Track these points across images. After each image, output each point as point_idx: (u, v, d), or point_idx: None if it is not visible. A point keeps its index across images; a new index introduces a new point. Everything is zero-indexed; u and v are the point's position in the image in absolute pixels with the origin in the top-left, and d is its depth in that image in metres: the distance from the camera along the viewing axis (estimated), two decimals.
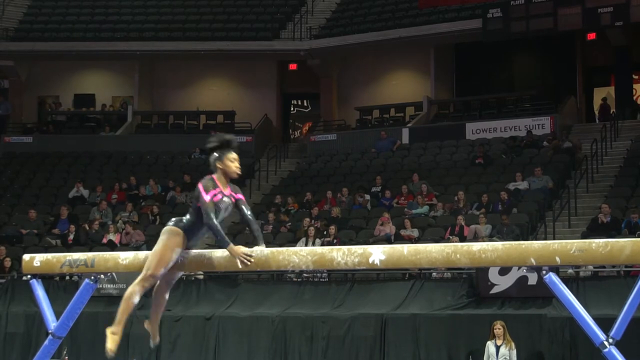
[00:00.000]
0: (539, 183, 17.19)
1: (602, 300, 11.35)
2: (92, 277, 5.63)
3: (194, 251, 5.35)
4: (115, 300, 15.24)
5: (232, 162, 5.26)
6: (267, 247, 5.31)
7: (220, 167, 5.23)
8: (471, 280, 12.86)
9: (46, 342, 5.64)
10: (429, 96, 23.42)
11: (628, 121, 20.84)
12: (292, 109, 27.19)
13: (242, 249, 5.12)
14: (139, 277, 5.24)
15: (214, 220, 5.06)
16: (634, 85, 23.14)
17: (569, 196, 16.44)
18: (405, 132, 21.98)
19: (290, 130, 27.07)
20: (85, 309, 5.87)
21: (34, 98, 26.25)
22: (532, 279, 11.93)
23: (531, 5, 20.88)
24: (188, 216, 5.24)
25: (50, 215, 19.00)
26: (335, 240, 15.27)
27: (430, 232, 15.72)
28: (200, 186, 5.13)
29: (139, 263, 5.48)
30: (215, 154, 5.26)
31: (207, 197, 5.09)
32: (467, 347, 12.11)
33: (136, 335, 13.92)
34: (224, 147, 5.29)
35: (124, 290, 16.31)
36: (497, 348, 11.16)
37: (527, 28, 21.06)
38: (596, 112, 23.32)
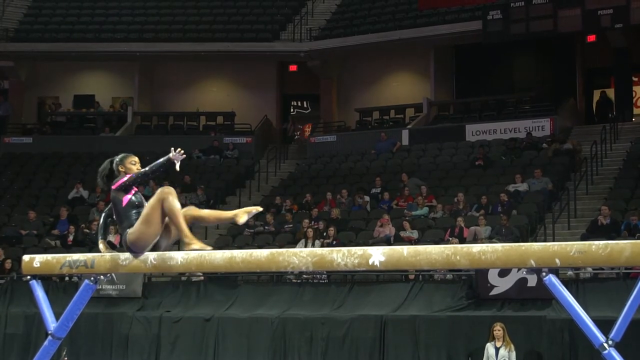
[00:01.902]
0: (539, 185, 17.19)
1: (602, 302, 11.35)
2: (92, 278, 5.62)
3: (194, 252, 5.35)
4: (115, 301, 15.37)
5: (134, 164, 5.58)
6: (266, 248, 5.41)
7: (122, 170, 5.55)
8: (471, 282, 12.86)
9: (46, 342, 5.64)
10: (428, 98, 23.43)
11: (628, 123, 20.85)
12: (292, 110, 27.19)
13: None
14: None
15: (145, 169, 5.39)
16: (634, 87, 23.15)
17: (568, 198, 16.44)
18: (405, 134, 21.98)
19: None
20: (84, 310, 5.87)
21: (33, 99, 26.25)
22: (532, 280, 11.92)
23: (531, 7, 20.89)
24: (122, 223, 5.43)
25: (49, 216, 18.99)
26: (334, 242, 15.26)
27: (430, 233, 15.71)
28: (115, 185, 5.44)
29: (138, 264, 5.48)
30: (117, 159, 5.59)
31: (125, 177, 5.43)
32: (466, 348, 12.10)
33: (136, 336, 13.93)
34: (125, 157, 5.64)
35: (124, 290, 16.27)
36: (497, 350, 11.15)
37: (527, 30, 21.06)
38: (593, 107, 23.20)
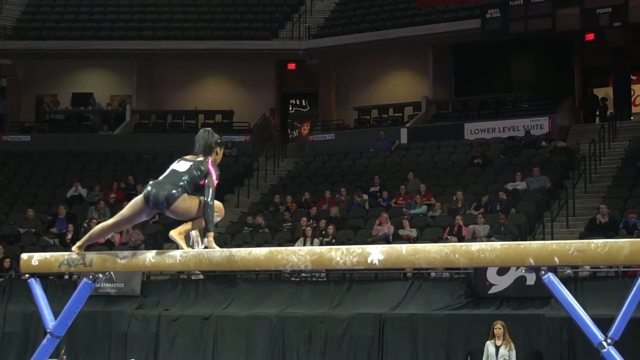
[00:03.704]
0: (537, 183, 17.19)
1: (600, 300, 11.36)
2: (91, 277, 5.61)
3: (193, 250, 5.35)
4: (113, 299, 15.36)
5: (220, 156, 5.59)
6: (265, 247, 5.37)
7: (217, 153, 5.54)
8: (469, 280, 12.87)
9: (44, 341, 5.63)
10: (427, 96, 23.42)
11: (626, 122, 20.86)
12: (290, 108, 27.18)
13: (214, 244, 5.35)
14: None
15: (209, 213, 5.31)
16: (632, 86, 23.15)
17: (567, 196, 16.45)
18: (403, 132, 21.98)
19: (289, 130, 27.07)
20: (83, 308, 5.85)
21: (31, 97, 26.22)
22: (530, 279, 11.93)
23: (530, 5, 20.89)
24: (184, 182, 5.35)
25: (48, 214, 18.98)
26: (333, 240, 15.27)
27: (429, 232, 15.71)
28: (211, 166, 5.41)
29: (137, 262, 5.47)
30: (218, 140, 5.57)
31: (215, 181, 5.38)
32: (465, 347, 12.11)
33: (135, 334, 13.93)
34: (223, 144, 5.64)
35: (122, 289, 16.23)
36: (497, 348, 11.15)
37: (525, 28, 21.06)
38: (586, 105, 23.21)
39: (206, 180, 5.35)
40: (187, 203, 5.34)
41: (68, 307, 5.61)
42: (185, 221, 5.46)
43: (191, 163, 5.44)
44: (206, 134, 5.56)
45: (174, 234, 5.45)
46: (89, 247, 5.76)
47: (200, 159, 5.46)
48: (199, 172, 5.39)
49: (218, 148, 5.51)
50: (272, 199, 18.97)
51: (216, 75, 26.21)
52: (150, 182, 5.46)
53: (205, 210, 5.30)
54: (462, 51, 24.05)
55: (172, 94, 25.93)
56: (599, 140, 18.85)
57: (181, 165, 5.46)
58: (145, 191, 5.40)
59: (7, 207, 20.02)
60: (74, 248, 5.71)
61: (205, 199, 5.31)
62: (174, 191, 5.31)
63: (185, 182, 5.36)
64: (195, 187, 5.39)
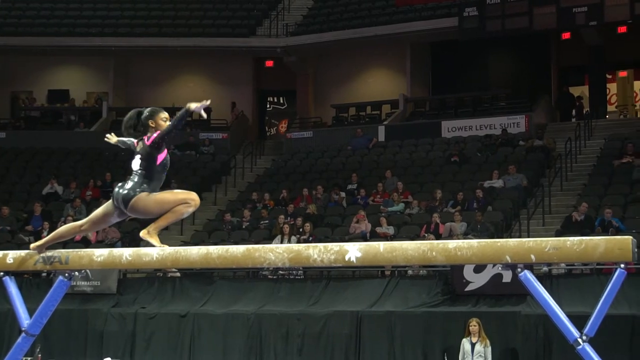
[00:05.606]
0: (514, 181, 17.29)
1: (576, 297, 11.46)
2: (66, 274, 5.57)
3: (170, 248, 5.32)
4: (89, 297, 15.22)
5: (165, 121, 5.41)
6: (242, 244, 5.34)
7: (152, 125, 5.39)
8: (446, 278, 12.92)
9: (19, 340, 5.59)
10: (405, 94, 23.48)
11: (601, 120, 21.04)
12: (268, 106, 27.15)
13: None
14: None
15: (168, 125, 5.23)
16: (608, 85, 23.35)
17: (543, 194, 16.56)
18: (381, 130, 22.03)
19: (266, 127, 27.04)
20: (58, 307, 5.81)
21: (7, 93, 25.99)
22: (507, 276, 12.02)
23: (507, 4, 21.01)
24: (141, 179, 5.32)
25: (23, 211, 18.81)
26: (310, 238, 15.26)
27: (406, 229, 15.75)
28: (145, 139, 5.30)
29: (113, 260, 5.43)
30: (146, 113, 5.43)
31: (155, 134, 5.27)
32: (442, 344, 12.16)
33: (111, 332, 13.85)
34: (155, 111, 5.47)
35: (99, 287, 16.05)
36: (473, 345, 11.21)
37: (502, 27, 21.18)
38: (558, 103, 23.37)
39: (160, 150, 5.26)
40: (144, 202, 5.27)
41: (43, 306, 5.57)
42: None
43: (139, 155, 5.36)
44: (133, 114, 5.45)
45: (143, 234, 5.42)
46: (65, 245, 5.71)
47: (141, 143, 5.36)
48: (149, 156, 5.31)
49: (151, 121, 5.37)
50: (249, 196, 18.94)
51: (193, 72, 26.10)
52: (118, 184, 5.42)
53: (179, 124, 5.19)
54: (439, 49, 24.13)
55: (149, 91, 25.79)
56: (575, 138, 19.00)
57: (135, 161, 5.40)
58: (113, 192, 5.40)
59: None
60: (32, 246, 5.63)
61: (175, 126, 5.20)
62: (130, 192, 5.28)
63: (141, 176, 5.32)
64: (156, 172, 5.31)
